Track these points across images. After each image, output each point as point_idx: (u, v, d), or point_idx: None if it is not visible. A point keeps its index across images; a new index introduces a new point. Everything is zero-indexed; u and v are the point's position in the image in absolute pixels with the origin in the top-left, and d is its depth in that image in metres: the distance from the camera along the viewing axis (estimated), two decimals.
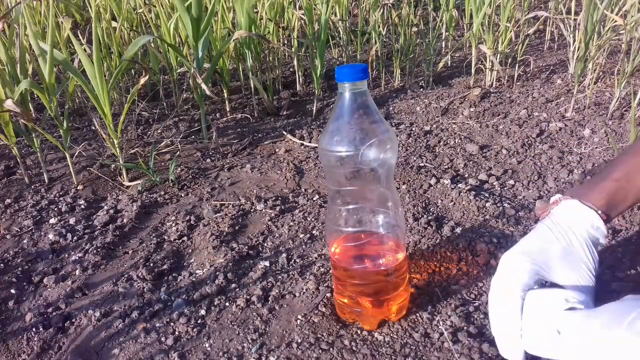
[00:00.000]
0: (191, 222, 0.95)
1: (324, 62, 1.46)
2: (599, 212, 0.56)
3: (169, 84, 1.69)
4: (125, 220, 0.97)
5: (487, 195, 0.96)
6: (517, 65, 1.59)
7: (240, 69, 1.61)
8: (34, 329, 0.71)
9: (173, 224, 0.96)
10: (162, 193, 1.08)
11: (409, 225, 0.88)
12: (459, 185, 1.00)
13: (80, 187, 1.13)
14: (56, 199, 1.08)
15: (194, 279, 0.80)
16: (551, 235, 0.56)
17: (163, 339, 0.68)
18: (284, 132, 1.34)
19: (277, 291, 0.75)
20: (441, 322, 0.66)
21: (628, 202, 0.58)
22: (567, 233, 0.55)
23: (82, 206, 1.04)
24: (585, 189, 0.59)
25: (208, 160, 1.23)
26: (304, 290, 0.74)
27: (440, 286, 0.72)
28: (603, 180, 0.59)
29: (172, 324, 0.70)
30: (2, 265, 0.86)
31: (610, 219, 0.58)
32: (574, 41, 1.52)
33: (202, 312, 0.72)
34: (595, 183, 0.59)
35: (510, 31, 1.53)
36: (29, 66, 1.23)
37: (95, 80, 1.04)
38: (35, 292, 0.80)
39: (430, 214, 0.91)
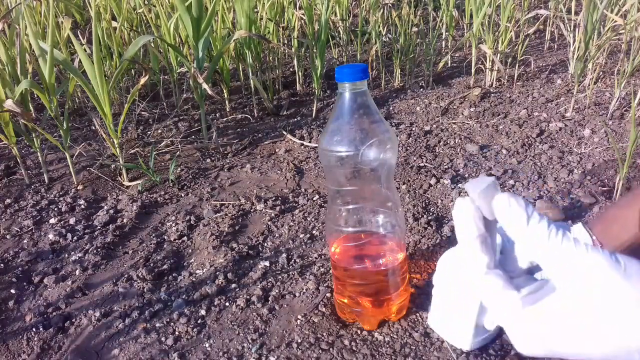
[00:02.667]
0: (191, 222, 0.95)
1: (324, 62, 1.46)
2: (589, 229, 0.57)
3: (169, 84, 1.69)
4: (125, 220, 0.97)
5: None
6: (517, 65, 1.59)
7: (240, 69, 1.61)
8: (34, 329, 0.71)
9: (173, 224, 0.96)
10: (162, 193, 1.08)
11: (409, 225, 0.88)
12: (459, 185, 1.00)
13: (80, 187, 1.13)
14: (56, 199, 1.08)
15: (194, 279, 0.80)
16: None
17: (163, 339, 0.68)
18: (284, 132, 1.34)
19: (277, 291, 0.75)
20: None
21: (628, 230, 0.57)
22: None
23: (82, 206, 1.04)
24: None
25: (208, 160, 1.23)
26: (304, 290, 0.74)
27: None
28: (611, 208, 0.61)
29: (172, 324, 0.70)
30: (2, 265, 0.86)
31: (609, 246, 0.57)
32: (574, 41, 1.52)
33: (202, 312, 0.72)
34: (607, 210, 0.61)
35: (511, 31, 1.53)
36: (29, 66, 1.23)
37: (96, 81, 1.04)
38: (35, 292, 0.79)
39: (430, 214, 0.91)
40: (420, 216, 0.89)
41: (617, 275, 0.35)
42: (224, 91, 1.51)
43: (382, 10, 1.70)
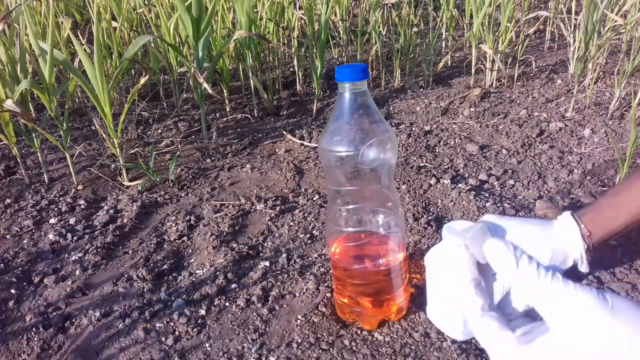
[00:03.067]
0: (191, 222, 0.95)
1: (324, 62, 1.46)
2: (577, 218, 0.55)
3: (169, 84, 1.69)
4: (125, 220, 0.97)
5: (487, 195, 0.96)
6: (517, 65, 1.59)
7: (240, 69, 1.61)
8: (34, 329, 0.71)
9: (173, 224, 0.96)
10: (162, 193, 1.08)
11: (409, 225, 0.88)
12: (459, 185, 1.00)
13: (80, 187, 1.13)
14: (56, 199, 1.08)
15: (194, 279, 0.80)
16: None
17: (163, 339, 0.68)
18: (284, 132, 1.34)
19: (277, 291, 0.75)
20: None
21: (619, 220, 0.56)
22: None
23: (82, 206, 1.04)
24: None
25: (208, 160, 1.23)
26: (304, 290, 0.74)
27: None
28: (601, 198, 0.59)
29: (172, 324, 0.70)
30: (2, 265, 0.86)
31: (597, 236, 0.55)
32: (574, 41, 1.52)
33: (202, 312, 0.72)
34: (598, 200, 0.59)
35: (511, 31, 1.53)
36: (29, 66, 1.23)
37: (96, 80, 1.04)
38: (35, 292, 0.80)
39: (430, 214, 0.91)
40: (420, 216, 0.89)
41: (605, 312, 0.35)
42: (224, 91, 1.51)
43: (382, 10, 1.70)
